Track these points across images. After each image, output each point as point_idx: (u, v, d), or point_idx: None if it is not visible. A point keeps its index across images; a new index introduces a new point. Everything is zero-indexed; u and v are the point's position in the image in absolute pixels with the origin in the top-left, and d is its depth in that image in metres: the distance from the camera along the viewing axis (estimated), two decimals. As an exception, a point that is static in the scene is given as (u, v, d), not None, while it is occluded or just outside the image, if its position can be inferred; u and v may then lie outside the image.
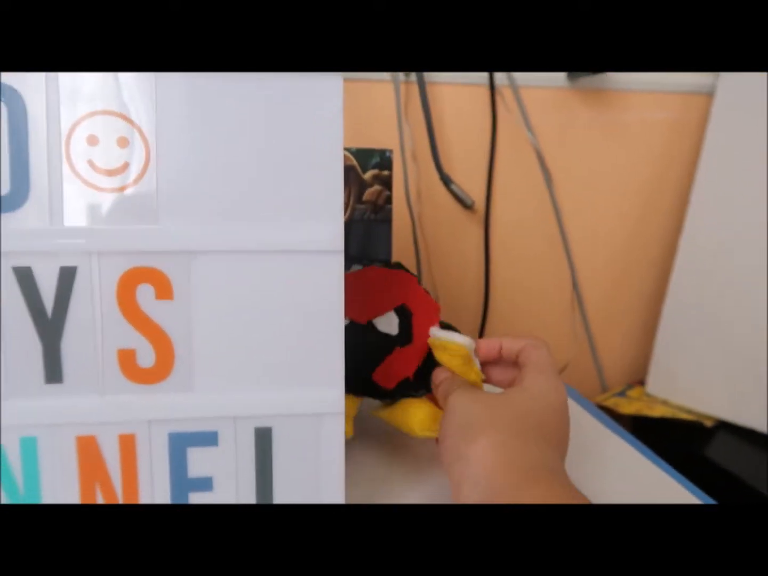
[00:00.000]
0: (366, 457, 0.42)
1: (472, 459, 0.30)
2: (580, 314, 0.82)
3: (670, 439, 0.70)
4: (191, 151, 0.28)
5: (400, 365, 0.39)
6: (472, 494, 0.30)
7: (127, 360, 0.29)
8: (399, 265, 0.42)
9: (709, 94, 0.77)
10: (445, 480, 0.34)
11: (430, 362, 0.39)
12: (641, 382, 0.85)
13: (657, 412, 0.75)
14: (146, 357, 0.29)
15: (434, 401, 0.39)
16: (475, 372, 0.38)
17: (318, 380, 0.30)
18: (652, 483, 0.42)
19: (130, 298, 0.28)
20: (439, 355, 0.38)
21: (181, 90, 0.28)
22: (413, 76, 0.74)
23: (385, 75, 0.73)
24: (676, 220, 0.81)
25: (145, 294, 0.29)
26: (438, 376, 0.38)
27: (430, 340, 0.39)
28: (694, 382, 0.75)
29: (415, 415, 0.39)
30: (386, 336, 0.39)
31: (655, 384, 0.79)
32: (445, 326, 0.40)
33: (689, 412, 0.75)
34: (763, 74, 0.68)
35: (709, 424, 0.72)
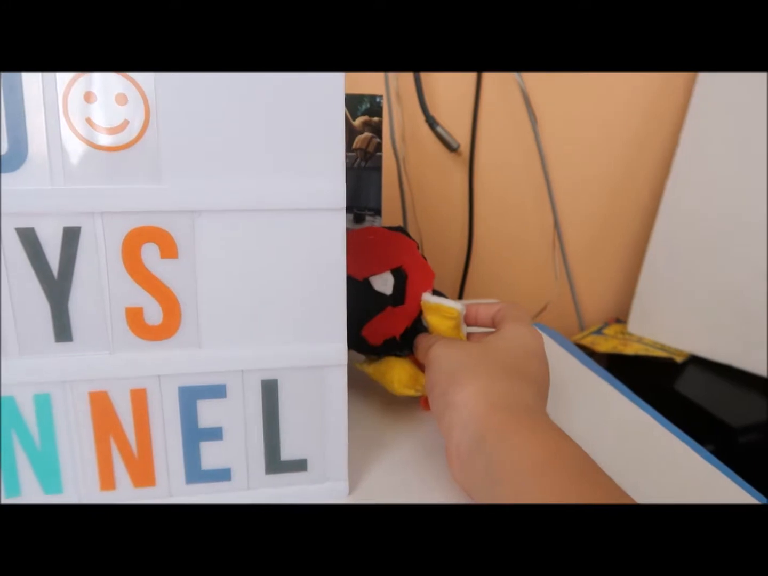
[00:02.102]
0: (356, 405, 0.44)
1: (460, 405, 0.32)
2: (561, 256, 0.84)
3: (643, 374, 0.73)
4: (192, 108, 0.28)
5: (390, 324, 0.41)
6: (462, 438, 0.31)
7: (134, 318, 0.30)
8: (401, 229, 0.43)
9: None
10: (433, 424, 0.36)
11: (418, 326, 0.41)
12: (618, 320, 0.88)
13: (631, 349, 0.78)
14: (154, 314, 0.30)
15: (416, 362, 0.41)
16: (462, 338, 0.40)
17: (321, 334, 0.31)
18: (627, 418, 0.45)
19: (136, 258, 0.29)
20: (431, 318, 0.40)
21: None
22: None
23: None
24: (662, 164, 0.82)
25: (150, 253, 0.29)
26: (417, 338, 0.40)
27: (423, 302, 0.40)
28: (672, 320, 0.79)
29: (397, 372, 0.40)
30: (380, 295, 0.41)
31: (635, 322, 0.82)
32: (438, 294, 0.41)
33: (663, 348, 0.78)
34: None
35: (680, 359, 0.76)
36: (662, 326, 0.80)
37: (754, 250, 0.70)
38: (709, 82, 0.74)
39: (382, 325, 0.41)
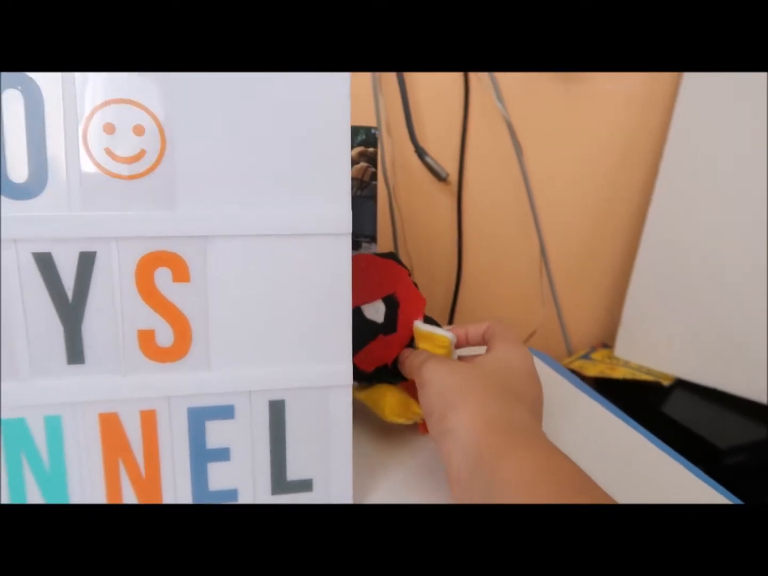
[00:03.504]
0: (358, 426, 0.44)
1: (457, 429, 0.32)
2: (548, 282, 0.86)
3: (631, 397, 0.75)
4: (205, 138, 0.29)
5: (381, 352, 0.41)
6: (461, 462, 0.31)
7: (146, 340, 0.30)
8: (392, 256, 0.44)
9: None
10: (434, 445, 0.37)
11: None
12: (604, 345, 0.90)
13: (618, 373, 0.80)
14: (165, 337, 0.30)
15: (408, 389, 0.42)
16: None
17: (327, 355, 0.32)
18: (619, 438, 0.46)
19: (149, 281, 0.30)
20: (423, 345, 0.41)
21: (193, 77, 0.29)
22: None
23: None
24: (645, 189, 0.84)
25: (162, 277, 0.30)
26: (404, 352, 0.41)
27: (415, 329, 0.41)
28: (658, 344, 0.80)
29: (388, 401, 0.41)
30: (372, 323, 0.42)
31: (621, 346, 0.84)
32: (429, 320, 0.42)
33: (650, 372, 0.80)
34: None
35: (666, 383, 0.77)
36: (648, 350, 0.82)
37: (736, 274, 0.72)
38: (688, 107, 0.77)
39: (373, 352, 0.41)
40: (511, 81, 0.78)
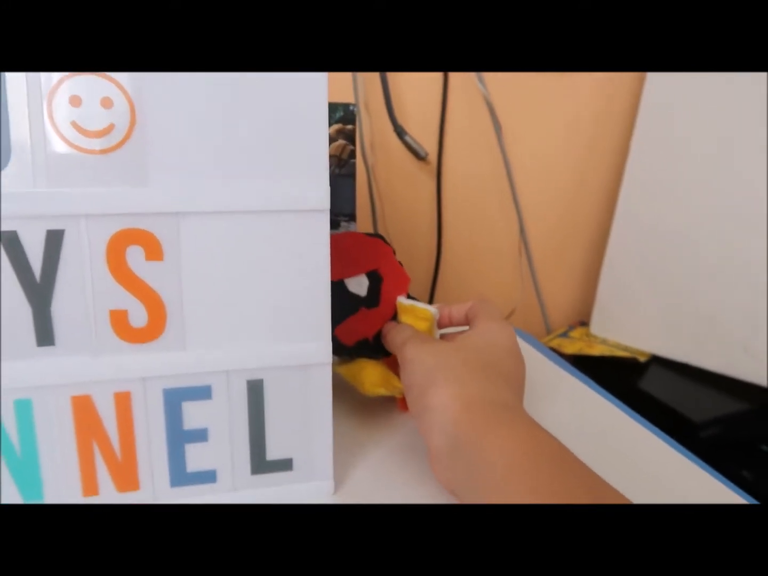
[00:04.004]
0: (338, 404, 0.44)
1: (437, 408, 0.32)
2: (526, 261, 0.86)
3: (609, 374, 0.76)
4: (177, 111, 0.28)
5: (362, 325, 0.41)
6: (441, 441, 0.31)
7: (119, 320, 0.30)
8: (379, 236, 0.43)
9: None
10: (414, 422, 0.37)
11: None
12: (582, 323, 0.90)
13: (596, 350, 0.80)
14: (138, 317, 0.30)
15: (389, 365, 0.42)
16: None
17: (306, 333, 0.32)
18: (598, 413, 0.46)
19: (120, 260, 0.29)
20: (405, 319, 0.41)
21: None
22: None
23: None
24: (618, 167, 0.85)
25: (135, 255, 0.29)
26: (387, 326, 0.41)
27: (398, 303, 0.41)
28: (633, 322, 0.81)
29: (368, 374, 0.41)
30: (355, 296, 0.41)
31: (597, 325, 0.85)
32: (412, 298, 0.42)
33: (626, 349, 0.81)
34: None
35: (642, 359, 0.78)
36: (624, 328, 0.83)
37: (709, 251, 0.73)
38: (657, 86, 0.77)
39: (355, 326, 0.41)
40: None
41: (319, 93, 0.29)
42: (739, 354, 0.72)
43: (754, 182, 0.69)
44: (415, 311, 0.40)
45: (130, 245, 0.29)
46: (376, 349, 0.41)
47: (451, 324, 0.43)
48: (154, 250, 0.29)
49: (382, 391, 0.40)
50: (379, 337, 0.41)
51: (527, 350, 0.58)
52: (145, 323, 0.30)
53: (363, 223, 0.78)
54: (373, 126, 0.77)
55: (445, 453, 0.31)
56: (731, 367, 0.73)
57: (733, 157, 0.71)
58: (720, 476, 0.37)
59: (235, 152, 0.29)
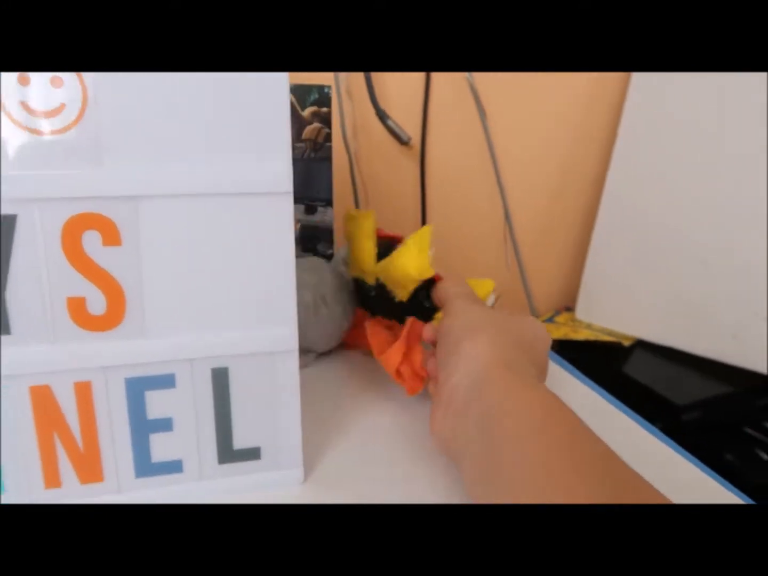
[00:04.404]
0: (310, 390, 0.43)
1: (470, 354, 0.32)
2: (512, 246, 0.85)
3: (593, 358, 0.75)
4: (132, 90, 0.27)
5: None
6: (461, 383, 0.31)
7: (77, 308, 0.29)
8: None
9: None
10: (387, 407, 0.36)
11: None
12: (567, 308, 0.90)
13: (581, 335, 0.80)
14: (97, 304, 0.29)
15: (409, 336, 0.42)
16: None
17: (271, 319, 0.31)
18: (579, 398, 0.46)
19: (76, 246, 0.28)
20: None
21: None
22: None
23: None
24: (605, 153, 0.84)
25: (91, 241, 0.28)
26: (444, 277, 0.41)
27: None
28: (618, 307, 0.81)
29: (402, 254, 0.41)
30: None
31: (582, 310, 0.85)
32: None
33: (611, 334, 0.81)
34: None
35: (627, 344, 0.78)
36: (608, 313, 0.82)
37: (693, 237, 0.73)
38: (644, 77, 0.77)
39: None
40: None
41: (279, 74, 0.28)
42: (727, 339, 0.72)
43: (741, 168, 0.69)
44: (477, 284, 0.42)
45: (86, 230, 0.28)
46: (412, 306, 0.42)
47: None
48: (111, 235, 0.28)
49: (421, 271, 0.40)
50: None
51: None
52: (104, 311, 0.29)
53: (346, 207, 0.77)
54: (355, 111, 0.75)
55: (461, 395, 0.31)
56: (720, 353, 0.73)
57: (720, 143, 0.70)
58: (701, 464, 0.37)
59: (195, 133, 0.28)
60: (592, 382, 0.49)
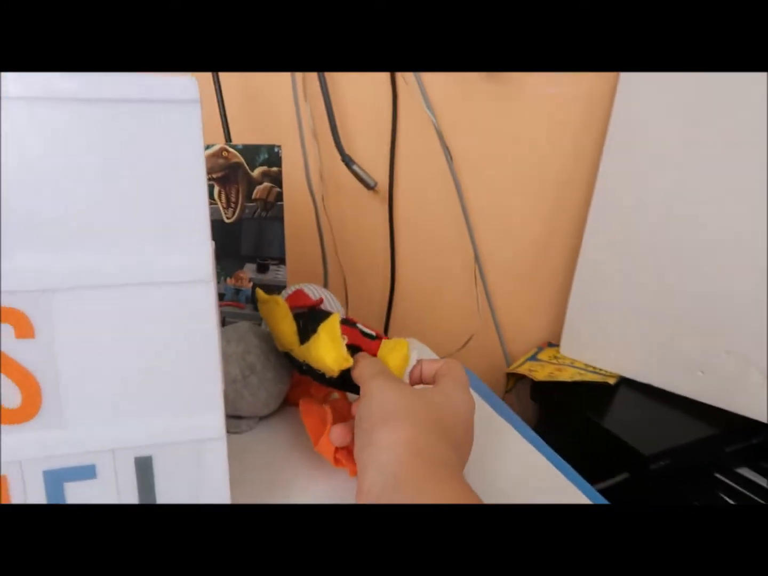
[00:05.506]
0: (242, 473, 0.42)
1: (383, 447, 0.32)
2: (482, 287, 0.85)
3: (576, 401, 0.75)
4: (38, 177, 0.26)
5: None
6: (377, 480, 0.31)
7: (-10, 402, 0.28)
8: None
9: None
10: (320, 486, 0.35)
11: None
12: (550, 344, 0.90)
13: (566, 374, 0.79)
14: (11, 397, 0.28)
15: (337, 409, 0.41)
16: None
17: (196, 406, 0.30)
18: (538, 472, 0.44)
19: (-12, 339, 0.27)
20: (383, 353, 0.41)
21: (20, 104, 0.25)
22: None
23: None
24: (587, 187, 0.84)
25: (4, 333, 0.27)
26: (359, 356, 0.40)
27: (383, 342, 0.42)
28: (601, 343, 0.81)
29: (322, 345, 0.39)
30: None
31: (566, 346, 0.85)
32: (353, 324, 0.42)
33: (596, 371, 0.80)
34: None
35: (612, 381, 0.78)
36: (592, 349, 0.82)
37: (675, 273, 0.73)
38: (624, 111, 0.77)
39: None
40: (439, 86, 0.76)
41: (192, 151, 0.28)
42: (696, 375, 0.72)
43: (719, 208, 0.69)
44: (394, 345, 0.41)
45: (-2, 323, 0.27)
46: (343, 382, 0.40)
47: (420, 381, 0.42)
48: (24, 327, 0.28)
49: (335, 361, 0.39)
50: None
51: (478, 402, 0.55)
52: (19, 403, 0.28)
53: (312, 256, 0.76)
54: (322, 155, 0.75)
55: (377, 491, 0.31)
56: (690, 390, 0.72)
57: (704, 179, 0.70)
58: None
59: (105, 222, 0.27)
60: (553, 453, 0.47)
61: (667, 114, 0.73)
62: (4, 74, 0.25)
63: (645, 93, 0.75)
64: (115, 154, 0.27)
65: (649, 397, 0.74)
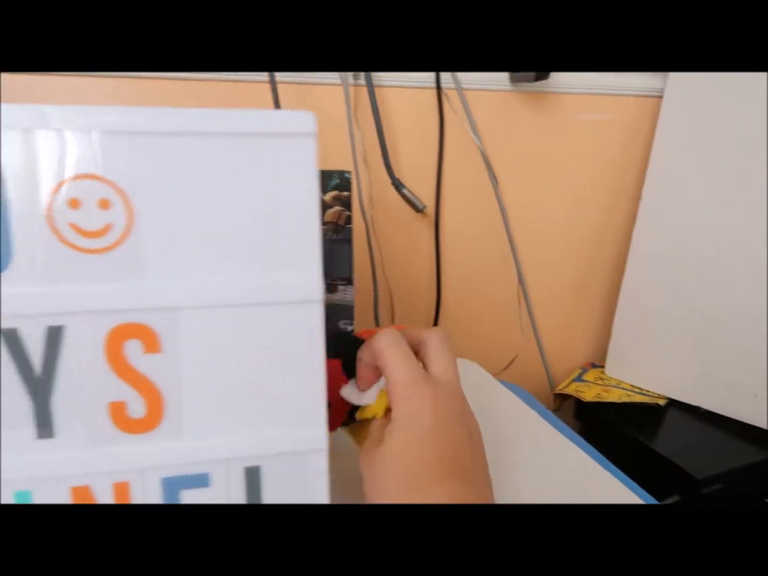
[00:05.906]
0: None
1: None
2: (526, 310, 0.86)
3: (624, 423, 0.75)
4: (172, 209, 0.29)
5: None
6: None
7: (117, 412, 0.30)
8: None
9: (658, 96, 0.81)
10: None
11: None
12: (593, 365, 0.90)
13: (614, 395, 0.80)
14: (137, 408, 0.30)
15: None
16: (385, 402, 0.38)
17: (302, 420, 0.32)
18: (599, 482, 0.46)
19: (118, 353, 0.29)
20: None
21: (156, 148, 0.28)
22: (362, 78, 0.75)
23: (335, 78, 0.74)
24: (624, 218, 0.85)
25: (133, 348, 0.30)
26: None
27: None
28: (648, 364, 0.82)
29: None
30: None
31: (612, 367, 0.86)
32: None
33: (643, 392, 0.81)
34: (710, 74, 0.73)
35: (662, 403, 0.78)
36: (639, 370, 0.83)
37: (721, 293, 0.73)
38: (669, 134, 0.79)
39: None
40: (483, 110, 0.79)
41: (309, 184, 0.30)
42: (748, 399, 0.72)
43: (766, 233, 0.70)
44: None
45: (128, 339, 0.29)
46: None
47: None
48: (152, 343, 0.30)
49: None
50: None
51: (530, 415, 0.57)
52: (144, 414, 0.30)
53: (363, 278, 0.78)
54: (371, 179, 0.78)
55: None
56: (742, 413, 0.73)
57: (749, 200, 0.71)
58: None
59: (228, 247, 0.30)
60: (611, 464, 0.49)
61: (712, 142, 0.74)
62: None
63: (689, 119, 0.77)
64: (239, 183, 0.29)
65: (699, 419, 0.75)
